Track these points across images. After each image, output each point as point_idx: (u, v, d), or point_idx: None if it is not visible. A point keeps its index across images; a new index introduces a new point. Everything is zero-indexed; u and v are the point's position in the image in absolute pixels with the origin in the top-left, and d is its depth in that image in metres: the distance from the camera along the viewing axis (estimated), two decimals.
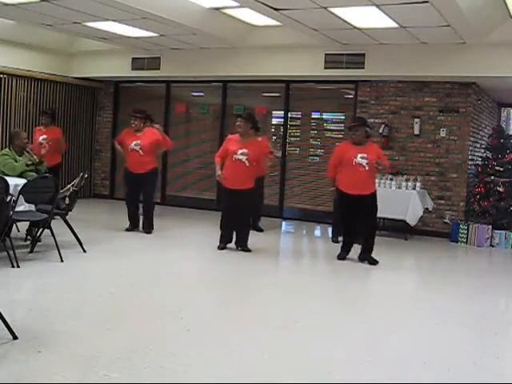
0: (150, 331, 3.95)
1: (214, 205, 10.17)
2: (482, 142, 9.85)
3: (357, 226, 6.73)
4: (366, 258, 6.69)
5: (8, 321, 3.52)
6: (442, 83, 8.99)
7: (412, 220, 8.44)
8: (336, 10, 6.78)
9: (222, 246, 7.00)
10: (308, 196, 10.28)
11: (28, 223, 6.42)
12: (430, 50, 8.24)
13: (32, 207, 5.90)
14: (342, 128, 9.89)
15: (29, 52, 10.19)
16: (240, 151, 6.73)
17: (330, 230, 8.70)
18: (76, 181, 6.62)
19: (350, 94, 9.92)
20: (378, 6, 6.41)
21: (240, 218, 6.99)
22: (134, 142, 7.61)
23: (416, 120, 9.19)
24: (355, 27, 7.55)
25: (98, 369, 3.19)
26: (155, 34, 8.97)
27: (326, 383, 3.27)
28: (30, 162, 6.63)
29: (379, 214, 8.37)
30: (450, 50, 8.13)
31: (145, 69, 10.51)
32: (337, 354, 3.73)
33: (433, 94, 9.12)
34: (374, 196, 6.67)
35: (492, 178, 8.71)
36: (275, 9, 6.75)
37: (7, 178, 4.72)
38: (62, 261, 5.74)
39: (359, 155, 6.50)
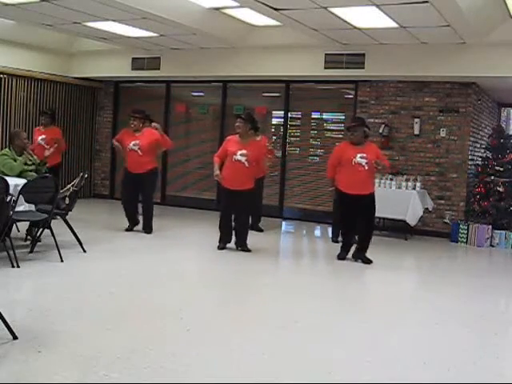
0: (150, 331, 3.95)
1: (214, 205, 10.17)
2: (482, 142, 9.85)
3: (356, 226, 6.73)
4: (361, 256, 6.70)
5: (8, 321, 3.52)
6: (442, 83, 8.99)
7: (412, 220, 8.44)
8: (336, 10, 6.78)
9: (222, 246, 7.00)
10: (308, 196, 10.28)
11: (28, 223, 6.41)
12: (429, 50, 8.24)
13: (32, 207, 5.89)
14: (342, 128, 9.88)
15: (29, 52, 10.19)
16: (239, 152, 6.73)
17: (329, 230, 8.69)
18: (76, 181, 6.62)
19: (350, 94, 9.92)
20: (378, 5, 6.41)
21: (239, 217, 7.00)
22: (133, 142, 7.61)
23: (416, 120, 9.19)
24: (355, 27, 7.55)
25: (97, 369, 3.19)
26: (155, 34, 8.97)
27: (326, 383, 3.27)
28: (30, 162, 6.63)
29: (379, 214, 8.41)
30: (450, 50, 8.14)
31: (145, 69, 10.51)
32: (337, 354, 3.73)
33: (433, 93, 9.12)
34: (373, 196, 6.68)
35: (492, 178, 8.71)
36: (275, 9, 6.75)
37: (7, 178, 4.72)
38: (62, 261, 5.74)
39: (358, 155, 6.50)
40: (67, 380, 3.05)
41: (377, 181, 8.44)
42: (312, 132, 10.44)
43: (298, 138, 10.54)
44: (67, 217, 6.33)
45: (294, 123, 10.55)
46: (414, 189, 8.53)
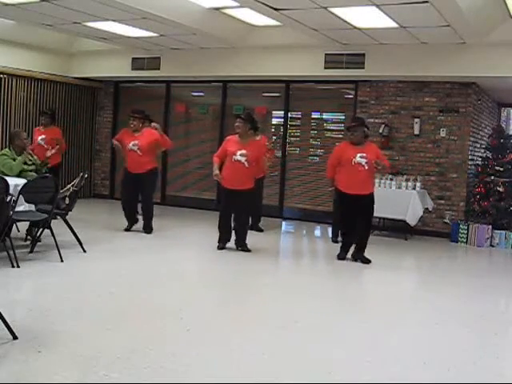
0: (150, 331, 3.95)
1: (214, 205, 10.17)
2: (482, 142, 9.85)
3: (356, 226, 6.73)
4: (360, 257, 6.71)
5: (8, 321, 3.52)
6: (442, 83, 8.99)
7: (412, 220, 8.44)
8: (336, 10, 6.78)
9: (221, 246, 7.00)
10: (308, 196, 10.28)
11: (28, 223, 6.41)
12: (429, 50, 8.24)
13: (32, 207, 5.89)
14: (342, 128, 9.88)
15: (29, 52, 10.19)
16: (239, 152, 6.74)
17: (329, 230, 8.69)
18: (76, 181, 6.62)
19: (350, 94, 9.92)
20: (378, 5, 6.41)
21: (239, 217, 7.00)
22: (132, 143, 7.61)
23: (416, 120, 9.19)
24: (355, 27, 7.55)
25: (97, 369, 3.19)
26: (155, 34, 8.97)
27: (326, 383, 3.27)
28: (30, 162, 6.63)
29: (379, 214, 8.44)
30: (450, 50, 8.14)
31: (145, 69, 10.51)
32: (337, 354, 3.73)
33: (433, 93, 9.12)
34: (372, 196, 6.70)
35: (492, 178, 8.71)
36: (275, 9, 6.75)
37: (7, 178, 4.73)
38: (62, 261, 5.74)
39: (358, 155, 6.51)
40: (67, 380, 3.05)
41: (377, 181, 8.45)
42: (312, 132, 10.44)
43: (298, 138, 10.54)
44: (67, 217, 6.33)
45: (293, 123, 10.55)
46: (414, 189, 8.53)
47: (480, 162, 9.12)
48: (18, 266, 5.35)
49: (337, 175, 6.75)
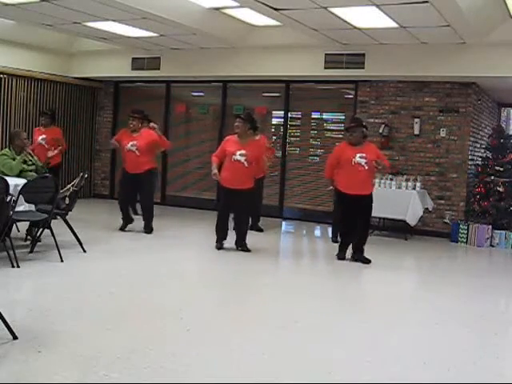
0: (150, 331, 3.95)
1: (214, 205, 10.16)
2: (482, 142, 9.85)
3: (356, 226, 6.74)
4: (360, 257, 6.71)
5: (8, 321, 3.52)
6: (442, 83, 8.99)
7: (412, 220, 8.44)
8: (336, 10, 6.78)
9: (219, 245, 7.01)
10: (308, 196, 10.28)
11: (28, 223, 6.41)
12: (429, 50, 8.24)
13: (32, 207, 5.89)
14: (342, 128, 9.87)
15: (29, 52, 10.19)
16: (239, 152, 6.74)
17: (329, 230, 8.69)
18: (76, 181, 6.62)
19: (350, 94, 9.93)
20: (378, 5, 6.41)
21: (239, 217, 7.01)
22: (131, 143, 7.61)
23: (416, 120, 9.19)
24: (355, 27, 7.55)
25: (97, 369, 3.19)
26: (155, 34, 8.97)
27: (326, 383, 3.27)
28: (30, 162, 6.63)
29: (379, 214, 8.44)
30: (450, 50, 8.14)
31: (145, 69, 10.51)
32: (337, 354, 3.73)
33: (433, 93, 9.12)
34: (372, 196, 6.71)
35: (492, 177, 8.71)
36: (275, 9, 6.75)
37: (7, 178, 4.73)
38: (62, 261, 5.75)
39: (358, 155, 6.52)
40: (67, 380, 3.05)
41: (377, 181, 8.46)
42: (312, 132, 10.44)
43: (298, 138, 10.54)
44: (67, 217, 6.33)
45: (294, 123, 10.55)
46: (414, 189, 8.53)
47: (480, 162, 9.12)
48: (18, 266, 5.35)
49: (336, 176, 6.76)
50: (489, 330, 4.54)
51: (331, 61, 8.94)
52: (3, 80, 9.95)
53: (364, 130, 6.74)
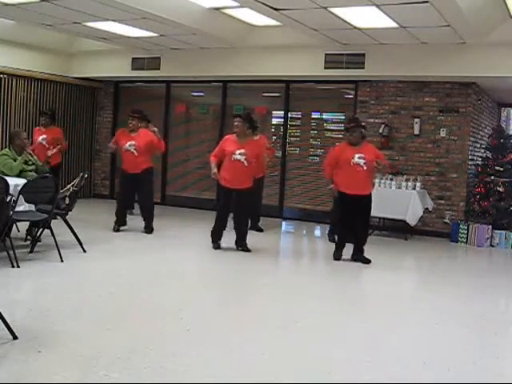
0: (150, 331, 3.95)
1: (214, 205, 10.16)
2: (482, 142, 9.85)
3: (355, 226, 6.74)
4: (359, 257, 6.71)
5: (8, 321, 3.52)
6: (442, 83, 8.99)
7: (412, 220, 8.44)
8: (336, 10, 6.78)
9: (217, 245, 7.02)
10: (308, 196, 10.28)
11: (28, 223, 6.41)
12: (429, 50, 8.24)
13: (32, 207, 5.89)
14: (342, 128, 9.87)
15: (29, 52, 10.19)
16: (238, 151, 6.75)
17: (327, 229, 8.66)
18: (76, 181, 6.62)
19: (350, 94, 9.92)
20: (378, 5, 6.41)
21: (239, 217, 7.01)
22: (129, 143, 7.61)
23: (416, 120, 9.19)
24: (355, 27, 7.55)
25: (97, 369, 3.19)
26: (155, 34, 8.97)
27: (326, 383, 3.27)
28: (30, 162, 6.63)
29: (379, 214, 8.44)
30: (450, 50, 8.14)
31: (145, 69, 10.51)
32: (337, 354, 3.73)
33: (433, 93, 9.12)
34: (371, 197, 6.71)
35: (492, 178, 8.71)
36: (275, 9, 6.75)
37: (7, 178, 4.73)
38: (62, 261, 5.75)
39: (356, 155, 6.52)
40: (67, 380, 3.05)
41: (377, 181, 8.46)
42: (312, 132, 10.44)
43: (298, 138, 10.54)
44: (67, 217, 6.33)
45: (294, 123, 10.55)
46: (414, 189, 8.53)
47: (480, 162, 9.12)
48: (18, 266, 5.35)
49: (335, 176, 6.75)
50: (489, 330, 4.54)
51: (331, 61, 8.94)
52: (3, 80, 9.95)
53: (363, 130, 6.76)
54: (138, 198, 8.04)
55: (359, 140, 6.65)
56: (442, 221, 9.12)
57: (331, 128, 10.28)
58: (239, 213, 7.01)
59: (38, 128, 9.00)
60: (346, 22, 7.25)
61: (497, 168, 8.74)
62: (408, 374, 3.46)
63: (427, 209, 8.77)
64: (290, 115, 10.39)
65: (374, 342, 4.03)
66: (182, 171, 11.44)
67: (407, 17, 6.86)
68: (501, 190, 8.63)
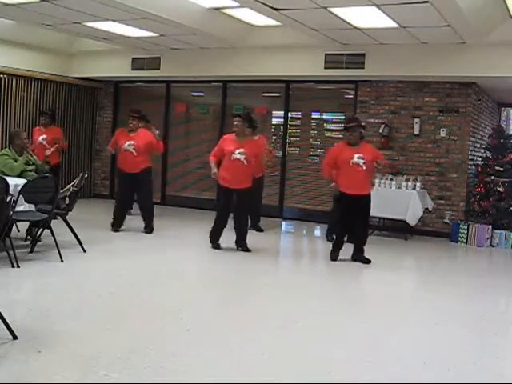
0: (150, 331, 3.95)
1: (214, 205, 10.16)
2: (482, 142, 9.85)
3: (354, 227, 6.74)
4: (359, 257, 6.71)
5: (8, 321, 3.52)
6: (442, 83, 8.99)
7: (412, 220, 8.44)
8: (336, 10, 6.78)
9: (216, 245, 7.02)
10: (308, 196, 10.28)
11: (28, 223, 6.41)
12: (429, 50, 8.24)
13: (32, 207, 5.89)
14: (342, 128, 9.86)
15: (29, 52, 10.19)
16: (237, 151, 6.76)
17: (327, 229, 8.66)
18: (76, 181, 6.62)
19: (350, 94, 9.92)
20: (378, 5, 6.41)
21: (239, 217, 7.01)
22: (128, 143, 7.61)
23: (416, 120, 9.19)
24: (355, 27, 7.55)
25: (97, 369, 3.19)
26: (155, 34, 8.97)
27: (326, 383, 3.27)
28: (31, 162, 6.63)
29: (379, 214, 8.44)
30: (450, 50, 8.14)
31: (145, 69, 10.51)
32: (337, 354, 3.73)
33: (433, 93, 9.12)
34: (370, 196, 6.71)
35: (492, 178, 8.71)
36: (275, 9, 6.75)
37: (7, 178, 4.72)
38: (62, 261, 5.75)
39: (356, 155, 6.52)
40: (67, 380, 3.05)
41: (377, 181, 8.46)
42: (312, 132, 10.45)
43: (298, 138, 10.54)
44: (67, 217, 6.33)
45: (294, 123, 10.55)
46: (414, 189, 8.53)
47: (480, 162, 9.12)
48: (18, 266, 5.35)
49: (335, 177, 6.75)
50: (489, 330, 4.54)
51: (331, 61, 8.94)
52: (3, 80, 9.95)
53: (362, 130, 6.77)
54: (137, 198, 8.04)
55: (358, 140, 6.65)
56: (442, 221, 9.12)
57: (331, 128, 10.28)
58: (239, 213, 7.01)
59: (37, 128, 9.00)
60: (346, 21, 7.25)
61: (497, 168, 8.74)
62: (408, 373, 3.46)
63: (427, 209, 8.77)
64: (289, 115, 10.40)
65: (374, 342, 4.03)
66: (182, 171, 11.44)
67: (407, 17, 6.86)
68: (501, 189, 8.63)
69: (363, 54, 8.71)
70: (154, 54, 10.32)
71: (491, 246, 8.54)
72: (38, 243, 6.25)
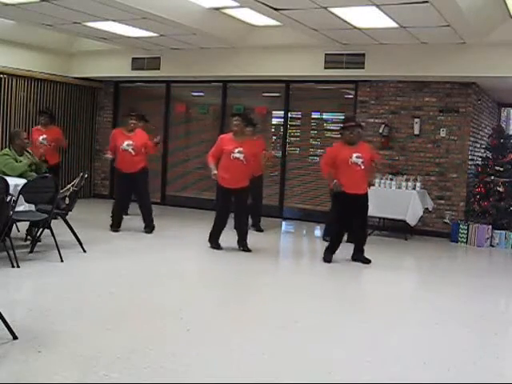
0: (150, 331, 3.95)
1: (213, 205, 10.15)
2: (482, 142, 9.85)
3: (351, 227, 6.74)
4: (360, 257, 6.70)
5: (8, 321, 3.52)
6: (442, 83, 8.99)
7: (412, 220, 8.44)
8: (336, 10, 6.78)
9: (216, 245, 7.02)
10: (308, 196, 10.28)
11: (28, 223, 6.41)
12: (429, 50, 8.24)
13: (32, 207, 5.89)
14: (340, 127, 9.86)
15: (29, 52, 10.19)
16: (237, 150, 6.78)
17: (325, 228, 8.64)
18: (76, 181, 6.62)
19: (350, 94, 9.92)
20: (378, 5, 6.40)
21: (240, 217, 7.02)
22: (126, 142, 7.61)
23: (416, 120, 9.19)
24: (355, 27, 7.54)
25: (97, 369, 3.20)
26: (155, 34, 8.97)
27: (326, 383, 3.27)
28: (33, 167, 6.64)
29: (379, 214, 8.44)
30: (450, 50, 8.13)
31: (145, 69, 10.51)
32: (337, 354, 3.73)
33: (433, 93, 9.12)
34: (367, 196, 6.71)
35: (492, 178, 8.71)
36: (275, 9, 6.75)
37: (7, 178, 4.72)
38: (62, 261, 5.75)
39: (354, 155, 6.53)
40: (67, 380, 3.05)
41: (377, 181, 8.46)
42: (312, 132, 10.45)
43: (298, 138, 10.54)
44: (67, 217, 6.33)
45: (294, 123, 10.55)
46: (414, 189, 8.53)
47: (480, 162, 9.12)
48: (18, 266, 5.35)
49: (334, 176, 6.73)
50: (489, 330, 4.54)
51: (331, 61, 8.94)
52: (3, 80, 9.95)
53: (360, 130, 6.80)
54: (136, 197, 8.03)
55: (357, 139, 6.66)
56: (442, 221, 9.12)
57: (331, 128, 10.26)
58: (239, 212, 7.02)
59: (36, 128, 8.99)
60: (346, 21, 7.25)
61: (497, 168, 8.74)
62: (408, 373, 3.46)
63: (427, 209, 8.77)
64: (290, 115, 10.39)
65: (374, 342, 4.03)
66: (182, 171, 11.43)
67: (407, 17, 6.86)
68: (501, 189, 8.63)
69: (363, 54, 8.71)
70: (154, 53, 10.32)
71: (491, 246, 8.54)
72: (38, 243, 6.25)
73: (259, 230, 8.54)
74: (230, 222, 7.22)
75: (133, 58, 10.55)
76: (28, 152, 6.77)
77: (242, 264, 6.43)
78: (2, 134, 9.94)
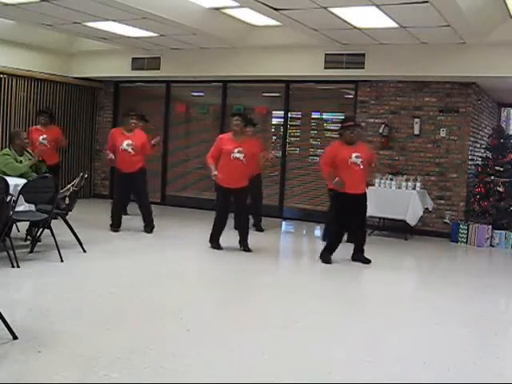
0: (150, 331, 3.95)
1: (213, 205, 10.15)
2: (482, 142, 9.85)
3: (350, 227, 6.74)
4: (360, 257, 6.70)
5: (8, 321, 3.52)
6: (442, 83, 8.99)
7: (412, 220, 8.44)
8: (336, 10, 6.78)
9: (216, 245, 7.02)
10: (308, 196, 10.27)
11: (28, 223, 6.41)
12: (429, 50, 8.24)
13: (32, 207, 5.90)
14: (340, 127, 9.86)
15: (29, 52, 10.19)
16: (236, 149, 6.79)
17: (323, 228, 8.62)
18: (76, 181, 6.62)
19: (350, 94, 9.92)
20: (378, 5, 6.40)
21: (240, 217, 7.02)
22: (126, 142, 7.61)
23: (416, 120, 9.19)
24: (355, 27, 7.54)
25: (97, 369, 3.20)
26: (155, 34, 8.97)
27: (326, 383, 3.27)
28: (34, 168, 6.65)
29: (379, 214, 8.44)
30: (450, 50, 8.14)
31: (145, 69, 10.51)
32: (337, 354, 3.73)
33: (433, 93, 9.12)
34: (366, 195, 6.70)
35: (492, 178, 8.71)
36: (275, 9, 6.75)
37: (7, 178, 4.73)
38: (62, 261, 5.75)
39: (353, 155, 6.53)
40: (67, 380, 3.05)
41: (377, 181, 8.46)
42: (312, 132, 10.45)
43: (298, 138, 10.54)
44: (67, 217, 6.33)
45: (294, 123, 10.55)
46: (414, 189, 8.53)
47: (480, 162, 9.12)
48: (18, 266, 5.35)
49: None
50: (489, 330, 4.54)
51: (331, 61, 8.94)
52: (3, 80, 9.95)
53: (360, 130, 6.81)
54: (135, 197, 8.03)
55: (356, 139, 6.66)
56: (442, 221, 9.12)
57: (331, 128, 10.26)
58: (240, 212, 7.02)
59: (35, 127, 8.97)
60: (346, 21, 7.25)
61: (497, 168, 8.74)
62: (408, 373, 3.46)
63: (427, 209, 8.77)
64: (290, 115, 10.39)
65: (374, 342, 4.03)
66: (182, 171, 11.43)
67: (407, 17, 6.86)
68: (501, 189, 8.63)
69: (363, 54, 8.71)
70: (154, 53, 10.32)
71: (491, 245, 8.54)
72: (38, 243, 6.25)
73: (260, 229, 8.55)
74: (230, 222, 7.23)
75: (133, 58, 10.55)
76: (28, 152, 6.77)
77: (242, 264, 6.43)
78: (2, 134, 9.94)
